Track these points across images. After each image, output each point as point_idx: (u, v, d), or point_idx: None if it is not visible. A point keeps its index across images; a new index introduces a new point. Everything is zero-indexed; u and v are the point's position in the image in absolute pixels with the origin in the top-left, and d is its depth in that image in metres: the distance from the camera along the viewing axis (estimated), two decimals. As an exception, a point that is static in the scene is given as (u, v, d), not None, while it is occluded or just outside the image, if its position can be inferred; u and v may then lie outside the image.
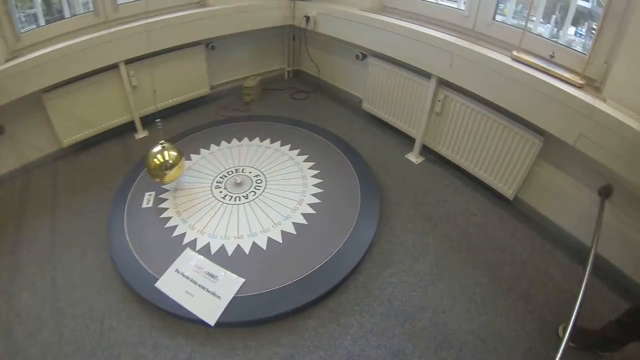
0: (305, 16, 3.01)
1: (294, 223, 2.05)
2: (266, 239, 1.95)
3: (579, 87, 1.74)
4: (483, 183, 2.34)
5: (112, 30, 2.37)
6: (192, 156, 2.53)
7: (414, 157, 2.64)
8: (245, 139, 2.71)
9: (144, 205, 2.13)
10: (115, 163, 2.57)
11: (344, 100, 3.39)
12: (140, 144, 2.77)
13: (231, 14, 2.83)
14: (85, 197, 2.26)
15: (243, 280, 1.74)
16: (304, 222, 2.06)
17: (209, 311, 1.60)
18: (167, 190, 2.23)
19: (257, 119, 2.99)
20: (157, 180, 2.09)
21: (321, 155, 2.54)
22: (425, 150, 2.66)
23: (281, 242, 1.94)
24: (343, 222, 2.04)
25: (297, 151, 2.56)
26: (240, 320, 1.61)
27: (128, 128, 2.83)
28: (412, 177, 2.47)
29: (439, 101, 2.37)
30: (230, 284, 1.72)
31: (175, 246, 1.89)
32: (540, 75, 1.82)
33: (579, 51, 1.89)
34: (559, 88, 1.74)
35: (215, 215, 2.09)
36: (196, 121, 2.98)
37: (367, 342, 1.58)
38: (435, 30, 2.28)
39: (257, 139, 2.70)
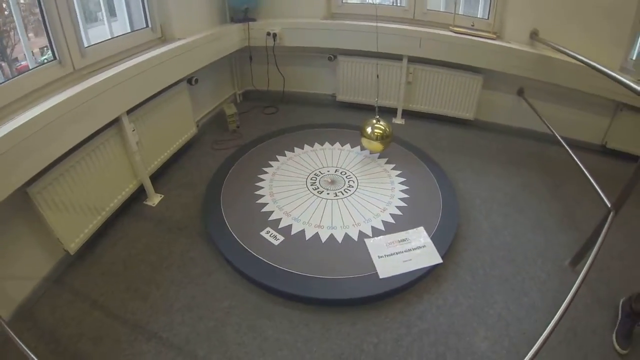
0: (271, 33, 3.22)
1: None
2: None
3: (493, 38, 2.94)
4: (452, 117, 3.36)
5: (91, 83, 1.86)
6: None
7: (399, 121, 3.45)
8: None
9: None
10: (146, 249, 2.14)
11: (315, 101, 3.78)
12: (158, 211, 2.43)
13: (203, 44, 2.78)
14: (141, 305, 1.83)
15: (422, 226, 2.18)
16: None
17: (430, 257, 2.01)
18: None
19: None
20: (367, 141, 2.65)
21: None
22: (404, 113, 3.47)
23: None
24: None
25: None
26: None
27: (134, 198, 2.44)
28: (410, 133, 3.23)
29: (410, 73, 3.24)
30: (418, 235, 2.13)
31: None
32: (471, 38, 2.92)
33: (486, 18, 3.09)
34: (482, 41, 2.88)
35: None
36: (195, 165, 2.85)
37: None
38: (389, 23, 3.07)
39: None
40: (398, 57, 3.17)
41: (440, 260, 2.00)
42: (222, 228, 2.20)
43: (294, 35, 3.28)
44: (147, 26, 2.61)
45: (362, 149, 2.89)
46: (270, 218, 2.28)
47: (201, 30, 2.86)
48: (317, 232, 2.17)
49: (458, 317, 1.81)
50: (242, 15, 3.25)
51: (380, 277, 1.90)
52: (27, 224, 1.78)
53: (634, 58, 2.66)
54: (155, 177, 2.63)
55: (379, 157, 2.87)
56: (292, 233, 2.17)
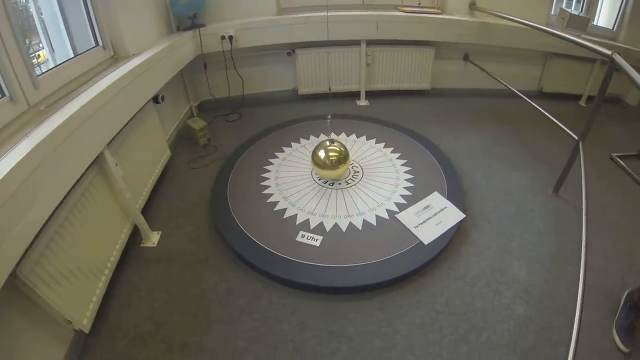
0: (226, 37, 3.02)
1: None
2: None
3: (438, 13, 3.23)
4: (411, 90, 3.62)
5: (61, 120, 1.45)
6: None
7: (364, 102, 3.59)
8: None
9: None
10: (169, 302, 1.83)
11: (277, 99, 3.68)
12: (163, 250, 2.12)
13: (162, 58, 2.50)
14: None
15: (435, 191, 2.38)
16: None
17: (455, 215, 2.21)
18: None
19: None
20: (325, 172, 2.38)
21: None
22: (367, 94, 3.61)
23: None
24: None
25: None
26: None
27: (129, 244, 2.08)
28: (379, 112, 3.40)
29: (369, 56, 3.38)
30: (437, 199, 2.32)
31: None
32: (419, 15, 3.17)
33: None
34: (429, 17, 3.16)
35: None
36: (181, 190, 2.60)
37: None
38: (341, 11, 3.14)
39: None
40: (356, 43, 3.28)
41: (464, 215, 2.23)
42: (252, 247, 2.06)
43: (249, 35, 3.14)
44: (98, 44, 2.26)
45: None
46: (298, 222, 2.22)
47: (152, 43, 2.56)
48: (350, 222, 2.23)
49: (493, 257, 2.07)
50: (191, 22, 3.01)
51: (426, 243, 2.05)
52: (23, 314, 1.35)
53: (553, 13, 3.22)
54: (144, 214, 2.25)
55: (367, 139, 3.00)
56: (327, 230, 2.17)
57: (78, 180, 1.59)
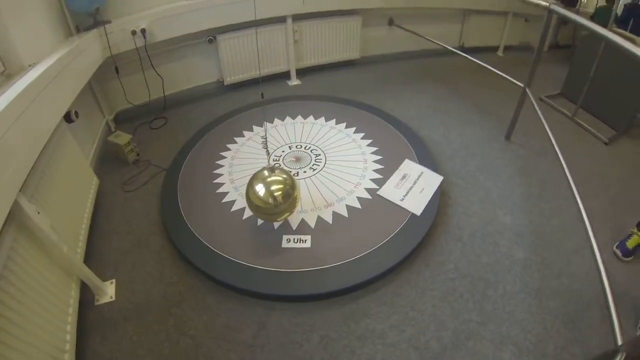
0: (137, 31, 2.42)
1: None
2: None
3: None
4: (341, 62, 3.40)
5: None
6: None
7: (295, 82, 3.27)
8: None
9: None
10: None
11: (203, 94, 3.16)
12: (125, 302, 1.62)
13: (66, 66, 1.83)
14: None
15: (406, 159, 2.27)
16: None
17: (433, 179, 2.13)
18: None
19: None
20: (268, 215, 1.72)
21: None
22: (297, 72, 3.29)
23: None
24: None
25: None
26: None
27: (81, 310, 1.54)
28: (314, 89, 3.14)
29: (296, 32, 3.04)
30: (410, 166, 2.20)
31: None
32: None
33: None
34: None
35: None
36: (122, 219, 2.03)
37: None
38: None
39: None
40: (281, 20, 2.92)
41: (441, 177, 2.15)
42: (234, 269, 1.67)
43: (165, 25, 2.55)
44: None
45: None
46: (276, 226, 1.89)
47: (49, 51, 1.85)
48: (333, 211, 1.97)
49: (481, 211, 2.05)
50: (93, 20, 2.31)
51: (418, 214, 1.92)
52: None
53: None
54: (87, 264, 1.64)
55: (315, 119, 2.73)
56: (313, 226, 1.88)
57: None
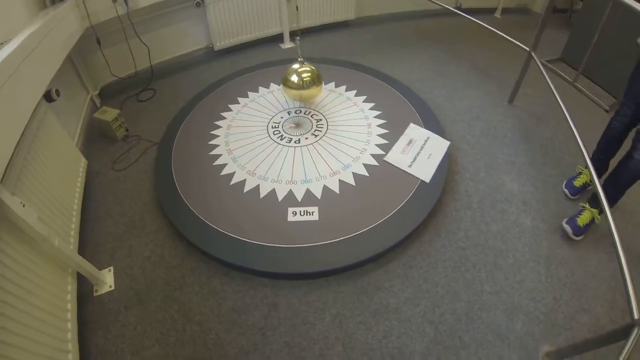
0: None
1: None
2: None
3: None
4: (334, 23, 3.07)
5: None
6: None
7: (289, 45, 2.92)
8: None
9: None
10: None
11: (193, 61, 2.81)
12: (125, 290, 1.44)
13: (42, 40, 1.51)
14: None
15: (411, 122, 2.06)
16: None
17: (440, 144, 1.94)
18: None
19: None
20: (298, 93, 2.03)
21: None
22: (291, 35, 2.93)
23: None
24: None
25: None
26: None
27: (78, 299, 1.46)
28: (311, 52, 2.75)
29: None
30: (416, 131, 1.99)
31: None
32: None
33: None
34: None
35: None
36: (114, 201, 1.81)
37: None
38: None
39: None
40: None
41: (449, 142, 1.94)
42: (239, 247, 1.50)
43: None
44: None
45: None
46: (280, 198, 1.69)
47: (22, 27, 1.48)
48: (339, 179, 1.79)
49: (488, 178, 1.89)
50: None
51: (428, 181, 1.75)
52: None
53: None
54: (81, 253, 1.47)
55: (333, 85, 2.43)
56: (319, 197, 1.68)
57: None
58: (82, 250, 1.53)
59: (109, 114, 2.10)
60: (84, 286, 1.42)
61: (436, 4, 2.74)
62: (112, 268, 1.53)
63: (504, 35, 2.26)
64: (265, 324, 1.33)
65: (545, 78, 1.91)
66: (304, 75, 2.02)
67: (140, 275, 1.50)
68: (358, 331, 1.32)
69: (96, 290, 1.45)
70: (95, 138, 2.17)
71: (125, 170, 1.99)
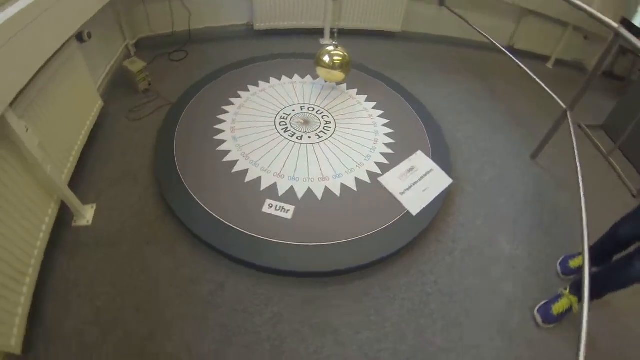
0: None
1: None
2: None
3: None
4: (379, 31, 2.94)
5: None
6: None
7: (327, 41, 2.86)
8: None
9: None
10: None
11: (229, 35, 2.82)
12: (100, 229, 1.52)
13: None
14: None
15: (419, 150, 1.94)
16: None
17: (441, 180, 1.81)
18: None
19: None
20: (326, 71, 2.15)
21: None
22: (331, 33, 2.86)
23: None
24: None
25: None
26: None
27: (58, 225, 1.49)
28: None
29: None
30: (421, 160, 1.89)
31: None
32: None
33: None
34: None
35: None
36: (118, 147, 1.89)
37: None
38: None
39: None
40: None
41: (451, 180, 1.83)
42: (209, 222, 1.50)
43: None
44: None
45: (316, 78, 2.34)
46: (263, 187, 1.67)
47: None
48: (326, 186, 1.75)
49: (482, 229, 1.75)
50: None
51: (414, 214, 1.65)
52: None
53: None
54: (74, 183, 1.60)
55: (338, 84, 2.36)
56: (300, 197, 1.65)
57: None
58: (74, 181, 1.60)
59: (137, 65, 2.16)
60: (66, 215, 1.52)
61: (487, 38, 2.59)
62: (95, 205, 1.61)
63: (543, 86, 2.10)
64: (209, 300, 1.35)
65: (572, 141, 1.75)
66: (336, 57, 2.12)
67: (117, 220, 1.56)
68: (291, 337, 1.29)
69: (75, 221, 1.53)
70: (120, 85, 2.24)
71: (137, 121, 2.05)
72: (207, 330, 1.26)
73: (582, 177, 1.58)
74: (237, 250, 1.43)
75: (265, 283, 1.42)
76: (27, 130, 1.21)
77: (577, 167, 1.64)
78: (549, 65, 3.18)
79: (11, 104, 1.12)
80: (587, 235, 1.31)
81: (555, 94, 2.04)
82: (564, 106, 1.93)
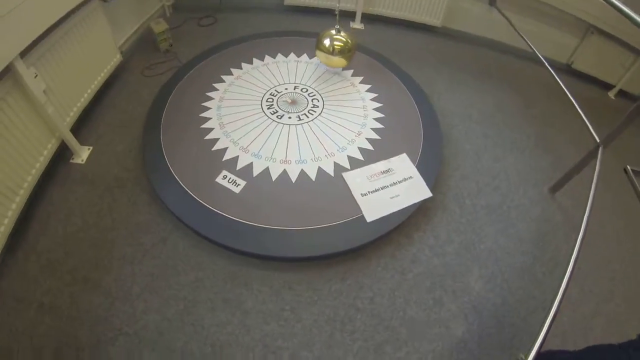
0: None
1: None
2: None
3: None
4: (416, 23, 2.67)
5: None
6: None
7: (358, 25, 2.67)
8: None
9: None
10: None
11: (259, 6, 2.82)
12: (89, 169, 1.69)
13: None
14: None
15: (404, 153, 1.72)
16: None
17: (419, 190, 1.58)
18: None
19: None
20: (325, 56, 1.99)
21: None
22: (364, 17, 2.68)
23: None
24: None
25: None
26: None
27: (59, 156, 1.69)
28: (372, 40, 2.53)
29: None
30: (403, 164, 1.68)
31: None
32: None
33: None
34: None
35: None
36: (126, 99, 2.01)
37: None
38: None
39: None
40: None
41: (429, 194, 1.59)
42: (168, 179, 1.55)
43: None
44: None
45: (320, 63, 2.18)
46: (225, 158, 1.63)
47: None
48: (285, 169, 1.61)
49: (451, 256, 1.51)
50: None
51: (368, 220, 1.46)
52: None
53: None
54: (80, 125, 1.80)
55: (343, 69, 2.20)
56: (255, 174, 1.58)
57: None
58: (80, 123, 1.80)
59: (160, 26, 2.26)
60: (67, 152, 1.72)
61: (531, 47, 2.21)
62: (91, 148, 1.77)
63: (577, 108, 1.73)
64: (148, 249, 1.44)
65: (592, 181, 1.41)
66: (336, 42, 1.96)
67: (104, 163, 1.72)
68: (202, 304, 1.31)
69: (72, 159, 1.71)
70: (146, 42, 2.38)
71: (149, 78, 2.16)
72: (139, 274, 1.36)
73: (584, 231, 1.24)
74: (182, 212, 1.46)
75: (201, 249, 1.44)
76: (36, 76, 1.38)
77: (585, 214, 1.31)
78: (611, 94, 2.63)
79: (25, 52, 1.30)
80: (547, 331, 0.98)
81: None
82: (597, 139, 1.57)
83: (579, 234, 1.21)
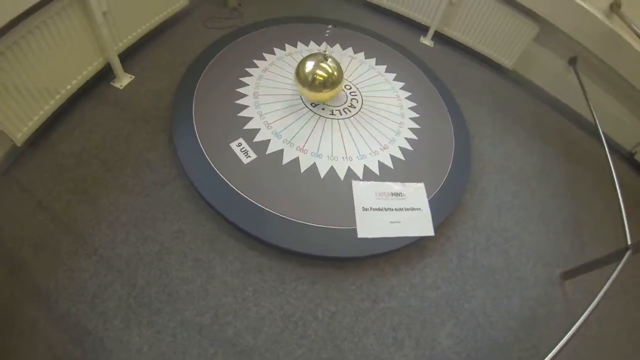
0: None
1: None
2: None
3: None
4: (487, 58, 2.50)
5: None
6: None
7: (427, 42, 2.56)
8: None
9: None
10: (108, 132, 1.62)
11: None
12: (124, 96, 1.78)
13: None
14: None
15: (422, 183, 1.64)
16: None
17: (422, 225, 1.50)
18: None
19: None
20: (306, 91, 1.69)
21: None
22: (435, 35, 2.57)
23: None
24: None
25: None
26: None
27: (101, 76, 1.78)
28: (435, 60, 2.43)
29: None
30: (416, 193, 1.59)
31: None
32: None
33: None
34: None
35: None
36: (179, 43, 2.08)
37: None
38: None
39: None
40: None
41: (432, 233, 1.51)
42: (187, 127, 1.58)
43: None
44: None
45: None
46: (247, 127, 1.63)
47: None
48: (298, 157, 1.58)
49: (430, 302, 1.42)
50: None
51: (359, 236, 1.40)
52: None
53: None
54: (129, 53, 1.88)
55: (394, 80, 2.11)
56: (267, 152, 1.56)
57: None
58: (130, 50, 1.88)
59: None
60: (110, 74, 1.80)
61: (598, 127, 2.01)
62: (133, 77, 1.84)
63: (622, 208, 1.56)
64: (147, 186, 1.51)
65: (603, 285, 1.28)
66: (319, 73, 1.60)
67: (139, 95, 1.80)
68: (175, 256, 1.35)
69: (113, 82, 1.79)
70: None
71: (209, 30, 2.20)
72: (130, 206, 1.42)
73: (576, 330, 1.12)
74: (187, 163, 1.49)
75: (193, 204, 1.47)
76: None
77: (585, 313, 1.19)
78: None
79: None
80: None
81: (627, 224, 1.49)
82: (629, 242, 1.42)
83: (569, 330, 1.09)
